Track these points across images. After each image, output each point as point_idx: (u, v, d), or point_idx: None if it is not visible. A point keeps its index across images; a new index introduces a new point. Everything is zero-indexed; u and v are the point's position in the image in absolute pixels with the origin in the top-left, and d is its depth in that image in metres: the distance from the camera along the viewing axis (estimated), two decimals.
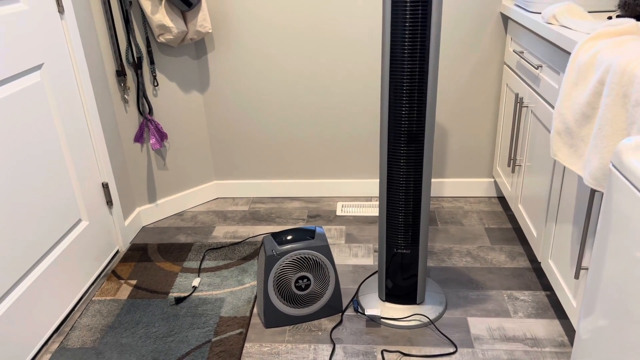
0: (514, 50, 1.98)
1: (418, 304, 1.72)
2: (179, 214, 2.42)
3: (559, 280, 1.55)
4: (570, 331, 1.63)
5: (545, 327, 1.64)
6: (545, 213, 1.66)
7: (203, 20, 2.07)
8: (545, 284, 1.84)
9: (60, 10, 1.73)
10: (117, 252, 2.13)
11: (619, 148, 0.90)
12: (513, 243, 2.09)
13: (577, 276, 1.36)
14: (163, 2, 1.98)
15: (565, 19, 1.51)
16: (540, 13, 1.75)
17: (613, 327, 0.99)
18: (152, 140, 2.18)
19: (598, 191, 1.24)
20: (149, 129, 2.18)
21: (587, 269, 1.35)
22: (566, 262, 1.50)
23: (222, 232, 2.26)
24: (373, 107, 2.34)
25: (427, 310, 1.70)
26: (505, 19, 2.14)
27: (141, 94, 2.13)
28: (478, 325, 1.67)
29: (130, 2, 2.00)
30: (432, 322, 1.68)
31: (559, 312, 1.70)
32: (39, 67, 1.64)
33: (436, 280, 1.89)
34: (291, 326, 1.70)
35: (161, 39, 2.05)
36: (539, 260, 1.74)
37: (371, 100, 2.33)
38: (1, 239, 1.46)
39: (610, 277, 0.99)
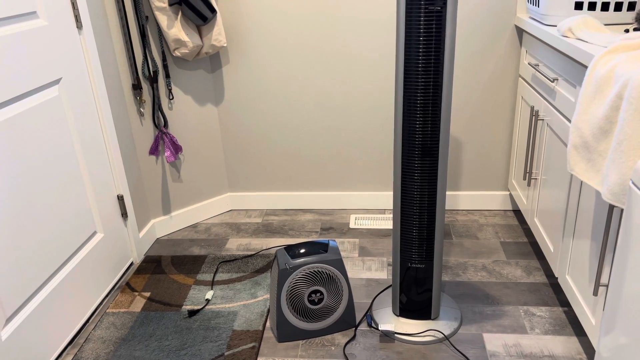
0: (529, 63, 1.97)
1: (433, 319, 1.70)
2: (193, 226, 2.43)
3: (576, 296, 1.53)
4: (588, 349, 1.59)
5: (563, 344, 1.61)
6: (562, 227, 1.63)
7: (218, 35, 2.09)
8: (562, 300, 1.81)
9: (79, 25, 1.76)
10: (132, 264, 2.14)
11: (639, 165, 0.88)
12: (529, 257, 2.06)
13: (595, 293, 1.33)
14: (179, 16, 2.01)
15: (582, 32, 1.50)
16: (555, 26, 1.74)
17: (635, 345, 0.96)
18: (167, 153, 2.20)
19: (617, 206, 1.22)
20: (164, 141, 2.20)
21: (606, 285, 1.32)
22: (584, 278, 1.47)
23: (235, 245, 2.26)
24: (387, 119, 2.34)
25: (442, 325, 1.68)
26: (520, 31, 2.13)
27: (157, 107, 2.15)
28: (494, 341, 1.64)
29: (147, 17, 2.03)
30: (447, 337, 1.65)
31: (577, 329, 1.67)
32: (57, 81, 1.66)
33: (451, 295, 1.87)
34: (304, 341, 1.68)
35: (177, 53, 2.07)
36: (556, 276, 1.71)
37: (385, 113, 2.32)
38: (18, 250, 1.48)
39: (631, 294, 0.97)
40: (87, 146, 1.82)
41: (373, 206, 2.51)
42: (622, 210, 1.22)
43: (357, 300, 1.87)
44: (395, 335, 1.67)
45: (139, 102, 2.12)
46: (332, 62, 2.25)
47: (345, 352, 1.63)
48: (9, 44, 1.45)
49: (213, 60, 2.29)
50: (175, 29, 2.01)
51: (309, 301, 1.64)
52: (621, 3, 1.67)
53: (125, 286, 2.00)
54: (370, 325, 1.73)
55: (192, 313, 1.81)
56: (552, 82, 1.67)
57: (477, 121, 2.30)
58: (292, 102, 2.34)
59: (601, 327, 1.12)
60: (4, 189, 1.43)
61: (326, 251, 1.64)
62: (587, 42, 1.46)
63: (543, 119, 1.81)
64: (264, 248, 2.22)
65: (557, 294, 1.84)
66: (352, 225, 2.37)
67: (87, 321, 1.82)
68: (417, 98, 1.42)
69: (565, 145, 1.60)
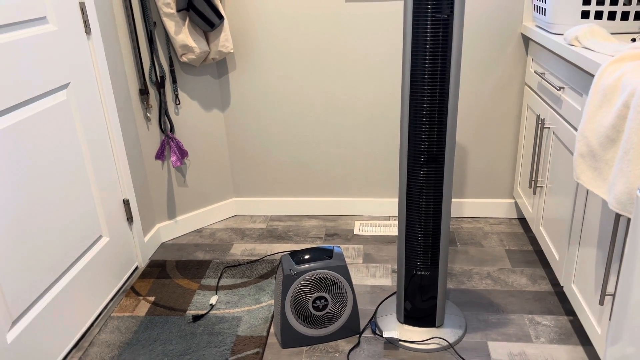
0: (535, 71, 1.97)
1: (437, 327, 1.69)
2: (198, 231, 2.44)
3: (582, 305, 1.52)
4: (594, 358, 1.58)
5: (569, 354, 1.60)
6: (568, 236, 1.63)
7: (225, 41, 2.11)
8: (568, 309, 1.80)
9: (88, 31, 1.78)
10: (136, 268, 2.15)
11: None
12: (534, 266, 2.05)
13: (601, 302, 1.32)
14: (186, 22, 2.02)
15: (588, 40, 1.50)
16: (562, 34, 1.74)
17: None
18: (173, 158, 2.20)
19: (623, 215, 1.22)
20: (170, 146, 2.21)
21: (612, 294, 1.32)
22: (590, 287, 1.47)
23: (240, 250, 2.26)
24: (392, 126, 2.34)
25: (447, 333, 1.68)
26: (526, 39, 2.13)
27: (163, 112, 2.16)
28: (499, 349, 1.63)
29: (155, 23, 2.04)
30: (451, 345, 1.65)
31: (583, 338, 1.66)
32: (65, 86, 1.68)
33: (456, 302, 1.86)
34: (308, 347, 1.68)
35: (184, 59, 2.09)
36: (562, 284, 1.70)
37: (391, 120, 2.33)
38: (25, 253, 1.49)
39: (638, 304, 0.97)
40: (94, 150, 1.84)
41: (378, 213, 2.51)
42: (628, 219, 1.21)
43: (362, 307, 1.86)
44: (400, 342, 1.66)
45: (146, 107, 2.13)
46: (338, 68, 2.26)
47: (349, 359, 1.62)
48: (19, 48, 1.47)
49: (220, 66, 2.30)
50: (183, 35, 2.02)
51: (314, 307, 1.64)
52: (628, 12, 1.68)
53: (130, 290, 2.00)
54: (374, 332, 1.73)
55: (196, 318, 1.81)
56: (559, 90, 1.67)
57: (482, 128, 2.30)
58: (298, 108, 2.35)
59: (608, 337, 1.12)
60: (11, 191, 1.44)
61: (331, 257, 1.64)
62: (593, 51, 1.46)
63: (549, 127, 1.81)
64: (269, 253, 2.23)
65: (562, 303, 1.83)
66: (356, 232, 2.37)
67: (92, 325, 1.82)
68: (424, 105, 1.42)
69: (571, 153, 1.60)
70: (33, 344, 1.52)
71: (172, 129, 2.20)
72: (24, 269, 1.49)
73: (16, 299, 1.46)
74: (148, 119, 2.15)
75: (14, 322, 1.46)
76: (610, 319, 1.30)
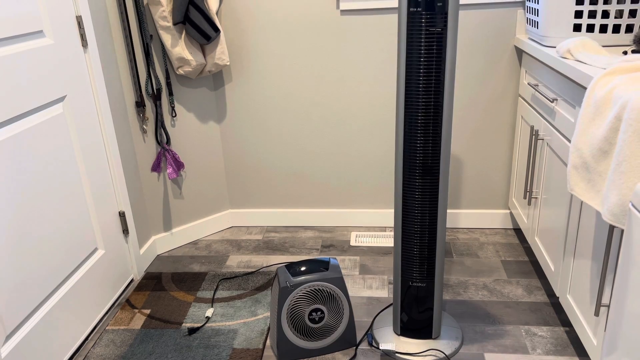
0: (528, 83, 1.99)
1: (434, 339, 1.69)
2: (194, 243, 2.43)
3: (578, 316, 1.52)
4: None
5: None
6: (563, 247, 1.63)
7: (221, 54, 2.12)
8: (564, 320, 1.80)
9: (84, 44, 1.79)
10: (132, 280, 2.14)
11: (638, 188, 0.89)
12: (530, 276, 2.06)
13: (597, 313, 1.33)
14: (183, 35, 2.03)
15: (580, 53, 1.52)
16: (554, 47, 1.76)
17: None
18: (169, 170, 2.21)
19: (617, 227, 1.23)
20: (166, 158, 2.22)
21: (607, 306, 1.32)
22: (585, 298, 1.47)
23: (235, 262, 2.26)
24: (388, 137, 2.35)
25: (443, 345, 1.67)
26: (520, 52, 2.15)
27: (159, 124, 2.17)
28: None
29: (151, 36, 2.06)
30: (448, 357, 1.64)
31: (579, 349, 1.66)
32: (61, 99, 1.68)
33: (452, 314, 1.86)
34: None
35: (180, 71, 2.10)
36: (557, 295, 1.71)
37: (386, 131, 2.34)
38: (20, 267, 1.48)
39: (632, 315, 0.97)
40: (90, 163, 1.84)
41: (374, 224, 2.51)
42: (622, 230, 1.22)
43: (358, 318, 1.86)
44: (396, 354, 1.66)
45: (142, 120, 2.13)
46: (333, 80, 2.27)
47: None
48: (16, 62, 1.47)
49: (216, 79, 2.31)
50: (179, 48, 2.04)
51: (310, 320, 1.64)
52: (619, 25, 1.70)
53: (126, 303, 1.99)
54: (371, 345, 1.72)
55: (192, 331, 1.81)
56: (552, 102, 1.68)
57: (477, 140, 2.31)
58: (293, 120, 2.36)
59: (603, 348, 1.12)
60: (5, 204, 1.43)
61: (327, 269, 1.64)
62: (585, 63, 1.47)
63: (543, 139, 1.82)
64: (265, 265, 2.22)
65: (558, 314, 1.83)
66: (352, 243, 2.37)
67: (87, 338, 1.81)
68: (418, 117, 1.43)
69: (565, 164, 1.61)
70: (27, 358, 1.51)
71: (168, 141, 2.21)
72: (19, 282, 1.48)
73: (10, 313, 1.45)
74: (144, 131, 2.16)
75: (8, 337, 1.45)
76: (605, 330, 1.31)
